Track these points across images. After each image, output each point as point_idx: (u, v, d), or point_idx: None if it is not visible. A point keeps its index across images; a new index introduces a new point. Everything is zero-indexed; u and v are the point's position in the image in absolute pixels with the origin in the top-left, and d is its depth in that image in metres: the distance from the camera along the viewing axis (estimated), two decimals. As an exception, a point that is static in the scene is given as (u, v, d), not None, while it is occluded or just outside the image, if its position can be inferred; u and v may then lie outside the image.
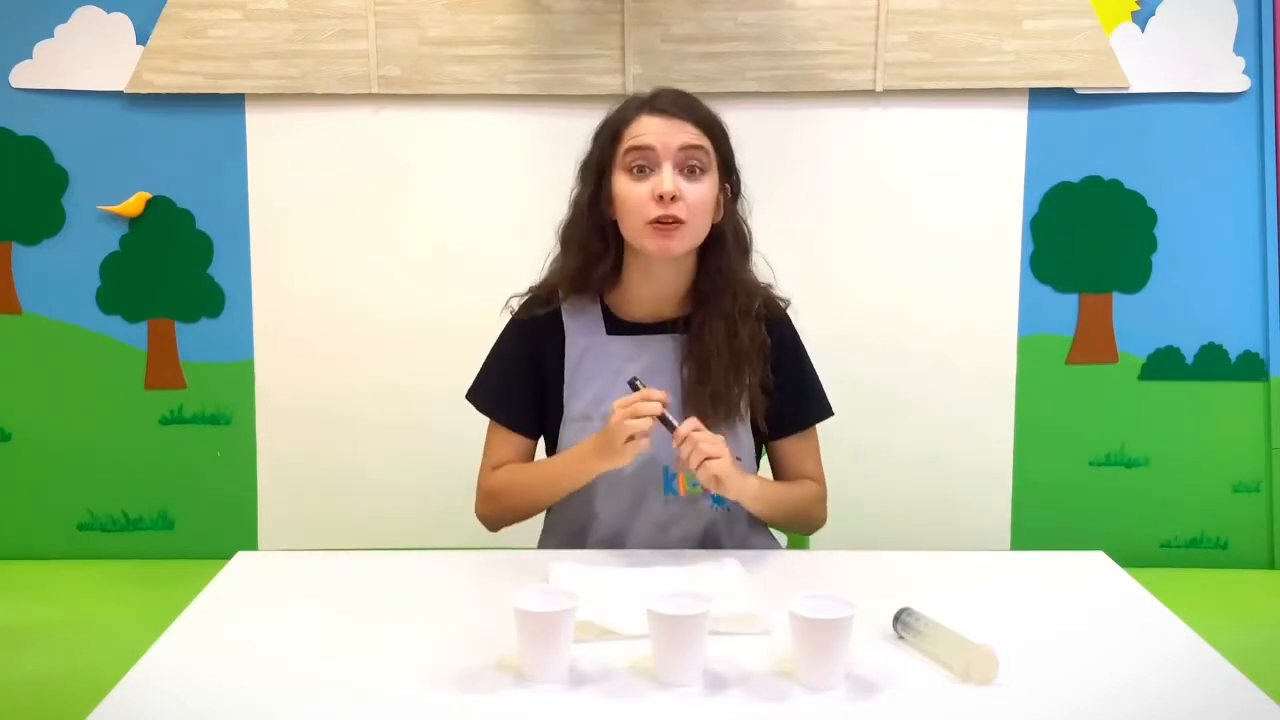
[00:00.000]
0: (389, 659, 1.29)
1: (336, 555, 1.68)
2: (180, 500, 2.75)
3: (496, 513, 1.77)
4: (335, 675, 1.25)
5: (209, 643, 1.35)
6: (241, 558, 1.64)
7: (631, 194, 1.63)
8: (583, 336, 1.72)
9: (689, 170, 1.63)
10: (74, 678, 2.02)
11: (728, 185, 1.70)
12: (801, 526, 1.81)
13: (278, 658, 1.30)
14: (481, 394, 1.79)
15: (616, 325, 1.73)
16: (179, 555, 2.71)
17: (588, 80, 2.62)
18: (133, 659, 1.28)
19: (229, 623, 1.41)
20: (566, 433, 1.72)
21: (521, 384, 1.75)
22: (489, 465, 1.77)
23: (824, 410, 1.80)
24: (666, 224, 1.61)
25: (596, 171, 1.69)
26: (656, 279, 1.70)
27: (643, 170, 1.63)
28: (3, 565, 2.69)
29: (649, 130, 1.63)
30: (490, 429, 1.79)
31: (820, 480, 1.82)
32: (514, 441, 1.77)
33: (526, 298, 1.78)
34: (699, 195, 1.63)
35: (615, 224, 1.68)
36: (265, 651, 1.32)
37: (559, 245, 1.75)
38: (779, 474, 1.82)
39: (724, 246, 1.70)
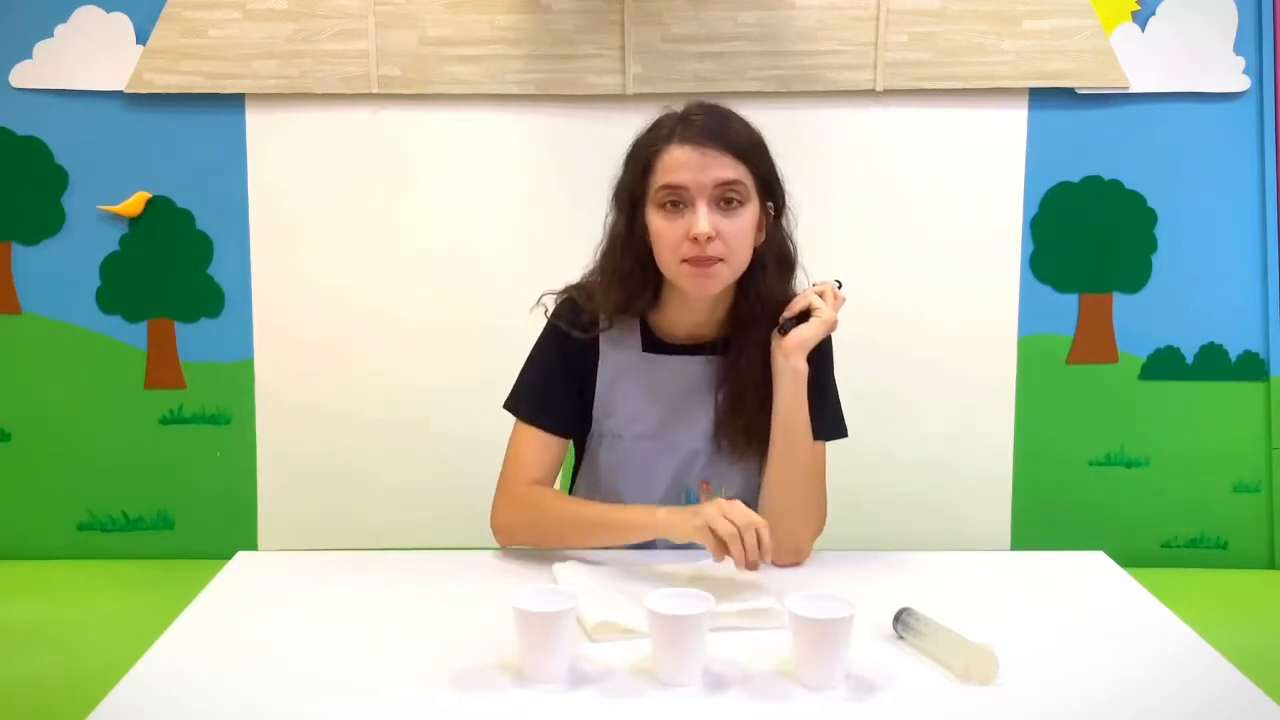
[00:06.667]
0: (389, 659, 1.29)
1: (336, 555, 1.68)
2: (180, 500, 2.75)
3: (521, 523, 1.65)
4: (335, 675, 1.25)
5: (209, 643, 1.35)
6: (241, 558, 1.64)
7: (666, 232, 1.56)
8: (619, 354, 1.68)
9: (725, 203, 1.55)
10: (74, 678, 2.02)
11: (769, 204, 1.64)
12: (800, 506, 1.63)
13: (278, 658, 1.30)
14: (525, 403, 1.68)
15: (654, 344, 1.69)
16: (179, 555, 2.71)
17: (588, 80, 2.62)
18: (133, 659, 1.28)
19: (229, 623, 1.41)
20: (591, 445, 1.71)
21: (563, 390, 1.68)
22: (523, 473, 1.65)
23: (836, 430, 1.73)
24: (703, 263, 1.55)
25: (630, 201, 1.62)
26: (694, 307, 1.65)
27: (676, 206, 1.55)
28: (3, 565, 2.69)
29: (681, 165, 1.55)
30: (522, 432, 1.67)
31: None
32: (552, 445, 1.68)
33: (563, 300, 1.69)
34: (737, 229, 1.56)
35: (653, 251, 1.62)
36: (265, 651, 1.32)
37: (598, 274, 1.69)
38: None
39: (764, 272, 1.63)
